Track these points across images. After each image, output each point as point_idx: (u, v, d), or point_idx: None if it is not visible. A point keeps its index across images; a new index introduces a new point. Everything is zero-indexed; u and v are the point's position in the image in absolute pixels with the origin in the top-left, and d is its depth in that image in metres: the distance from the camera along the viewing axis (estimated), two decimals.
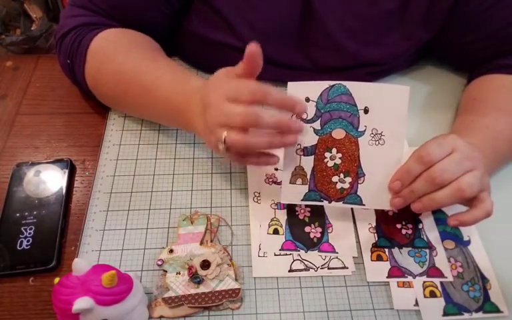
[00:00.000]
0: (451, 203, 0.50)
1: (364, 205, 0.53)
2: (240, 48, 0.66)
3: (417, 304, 0.50)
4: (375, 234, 0.56)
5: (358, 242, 0.55)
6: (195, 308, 0.49)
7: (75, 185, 0.60)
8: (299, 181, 0.53)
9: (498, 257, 0.54)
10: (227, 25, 0.64)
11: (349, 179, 0.52)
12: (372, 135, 0.52)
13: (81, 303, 0.41)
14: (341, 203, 0.53)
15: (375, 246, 0.55)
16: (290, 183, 0.53)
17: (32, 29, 1.52)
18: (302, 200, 0.53)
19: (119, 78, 0.60)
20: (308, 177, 0.53)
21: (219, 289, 0.50)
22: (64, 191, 0.58)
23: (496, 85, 0.65)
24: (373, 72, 0.72)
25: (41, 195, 0.58)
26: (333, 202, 0.53)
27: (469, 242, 0.55)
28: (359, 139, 0.52)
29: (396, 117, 0.51)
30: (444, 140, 0.51)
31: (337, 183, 0.53)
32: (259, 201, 0.58)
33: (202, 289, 0.50)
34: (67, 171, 0.60)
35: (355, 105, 0.51)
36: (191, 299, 0.49)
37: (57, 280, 0.44)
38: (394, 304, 0.50)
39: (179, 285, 0.50)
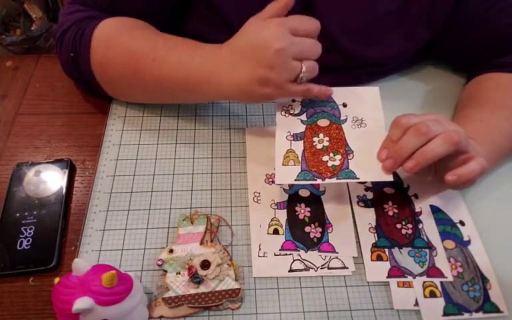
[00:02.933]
0: (443, 151, 0.49)
1: (358, 178, 0.53)
2: None
3: (416, 304, 0.50)
4: (375, 234, 0.56)
5: (358, 242, 0.55)
6: (195, 308, 0.49)
7: (75, 185, 0.60)
8: (291, 162, 0.55)
9: (498, 256, 0.54)
10: (226, 25, 0.64)
11: (338, 157, 0.55)
12: (353, 121, 0.57)
13: (81, 303, 0.41)
14: (335, 179, 0.53)
15: (375, 246, 0.55)
16: (283, 165, 0.55)
17: (32, 29, 1.52)
18: (296, 180, 0.54)
19: (128, 57, 0.59)
20: (299, 158, 0.55)
21: (219, 289, 0.50)
22: (64, 190, 0.58)
23: (494, 83, 0.66)
24: (373, 72, 0.72)
25: (41, 195, 0.58)
26: (326, 179, 0.53)
27: (468, 242, 0.55)
28: (342, 125, 0.57)
29: (372, 107, 0.58)
30: (424, 114, 0.53)
31: (327, 161, 0.54)
32: (258, 201, 0.58)
33: (202, 288, 0.50)
34: (66, 171, 0.60)
35: (334, 102, 0.59)
36: (191, 299, 0.49)
37: (56, 280, 0.44)
38: (394, 304, 0.50)
39: (179, 284, 0.50)
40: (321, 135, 0.56)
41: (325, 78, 0.71)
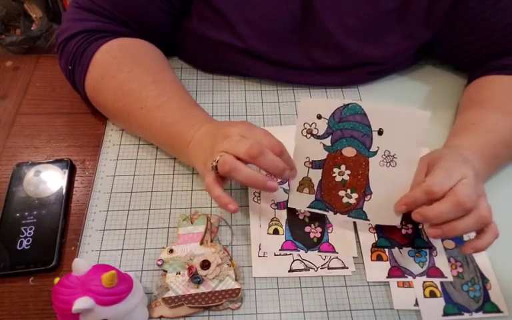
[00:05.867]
0: (474, 230, 0.49)
1: (368, 220, 0.53)
2: (240, 47, 0.66)
3: (416, 304, 0.50)
4: (375, 234, 0.56)
5: (358, 242, 0.55)
6: (195, 308, 0.49)
7: (75, 185, 0.60)
8: (306, 190, 0.53)
9: (498, 257, 0.54)
10: (226, 24, 0.64)
11: (355, 195, 0.52)
12: (384, 157, 0.50)
13: (81, 303, 0.41)
14: (346, 216, 0.53)
15: (375, 246, 0.55)
16: (297, 191, 0.54)
17: (32, 29, 1.52)
18: (308, 207, 0.54)
19: (119, 95, 0.60)
20: (315, 188, 0.53)
21: (219, 289, 0.50)
22: (64, 191, 0.58)
23: (496, 86, 0.65)
24: (373, 71, 0.72)
25: (41, 195, 0.58)
26: (338, 213, 0.53)
27: None
28: (370, 158, 0.51)
29: (411, 142, 0.49)
30: (451, 171, 0.48)
31: (343, 197, 0.53)
32: (258, 201, 0.58)
33: (202, 288, 0.50)
34: (67, 171, 0.60)
35: (369, 126, 0.49)
36: (191, 299, 0.49)
37: (56, 280, 0.44)
38: (394, 304, 0.50)
39: (179, 285, 0.50)
40: (343, 167, 0.51)
41: (325, 77, 0.71)
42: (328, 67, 0.70)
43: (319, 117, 0.50)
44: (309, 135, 0.51)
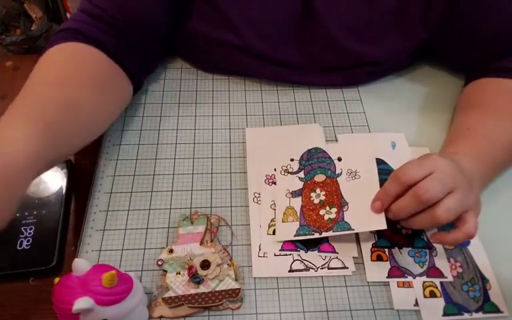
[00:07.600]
0: (428, 227, 0.51)
1: (353, 229, 0.53)
2: (240, 46, 0.66)
3: (416, 304, 0.50)
4: (375, 234, 0.56)
5: (358, 242, 0.55)
6: (195, 308, 0.49)
7: (75, 185, 0.60)
8: (291, 218, 0.56)
9: (498, 257, 0.54)
10: (226, 23, 0.64)
11: (334, 209, 0.55)
12: (348, 174, 0.58)
13: (81, 303, 0.41)
14: (331, 231, 0.54)
15: (375, 246, 0.55)
16: (283, 222, 0.56)
17: (32, 28, 1.52)
18: (295, 235, 0.55)
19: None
20: (298, 214, 0.56)
21: (219, 289, 0.50)
22: (64, 191, 0.58)
23: (494, 90, 0.65)
24: (373, 71, 0.72)
25: (41, 195, 0.58)
26: (323, 233, 0.54)
27: (468, 242, 0.55)
28: (337, 179, 0.58)
29: (365, 157, 0.59)
30: (424, 161, 0.50)
31: (324, 215, 0.55)
32: (258, 201, 0.58)
33: (202, 288, 0.50)
34: (67, 171, 0.60)
35: (330, 157, 0.61)
36: (191, 299, 0.49)
37: (56, 280, 0.44)
38: (394, 304, 0.50)
39: (179, 285, 0.50)
40: (318, 190, 0.57)
41: (325, 77, 0.72)
42: (328, 66, 0.70)
43: (292, 159, 0.61)
44: (286, 173, 0.60)
